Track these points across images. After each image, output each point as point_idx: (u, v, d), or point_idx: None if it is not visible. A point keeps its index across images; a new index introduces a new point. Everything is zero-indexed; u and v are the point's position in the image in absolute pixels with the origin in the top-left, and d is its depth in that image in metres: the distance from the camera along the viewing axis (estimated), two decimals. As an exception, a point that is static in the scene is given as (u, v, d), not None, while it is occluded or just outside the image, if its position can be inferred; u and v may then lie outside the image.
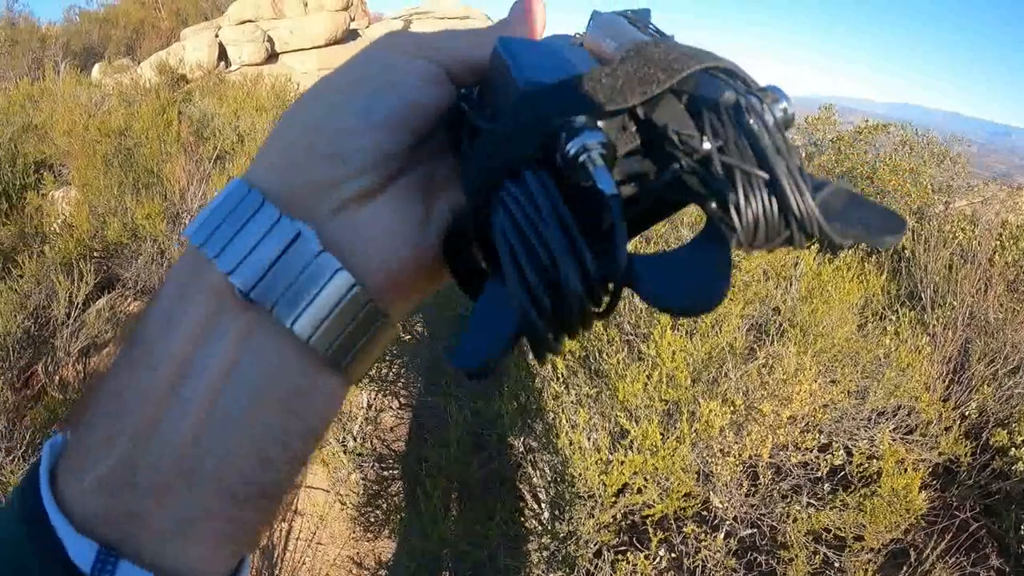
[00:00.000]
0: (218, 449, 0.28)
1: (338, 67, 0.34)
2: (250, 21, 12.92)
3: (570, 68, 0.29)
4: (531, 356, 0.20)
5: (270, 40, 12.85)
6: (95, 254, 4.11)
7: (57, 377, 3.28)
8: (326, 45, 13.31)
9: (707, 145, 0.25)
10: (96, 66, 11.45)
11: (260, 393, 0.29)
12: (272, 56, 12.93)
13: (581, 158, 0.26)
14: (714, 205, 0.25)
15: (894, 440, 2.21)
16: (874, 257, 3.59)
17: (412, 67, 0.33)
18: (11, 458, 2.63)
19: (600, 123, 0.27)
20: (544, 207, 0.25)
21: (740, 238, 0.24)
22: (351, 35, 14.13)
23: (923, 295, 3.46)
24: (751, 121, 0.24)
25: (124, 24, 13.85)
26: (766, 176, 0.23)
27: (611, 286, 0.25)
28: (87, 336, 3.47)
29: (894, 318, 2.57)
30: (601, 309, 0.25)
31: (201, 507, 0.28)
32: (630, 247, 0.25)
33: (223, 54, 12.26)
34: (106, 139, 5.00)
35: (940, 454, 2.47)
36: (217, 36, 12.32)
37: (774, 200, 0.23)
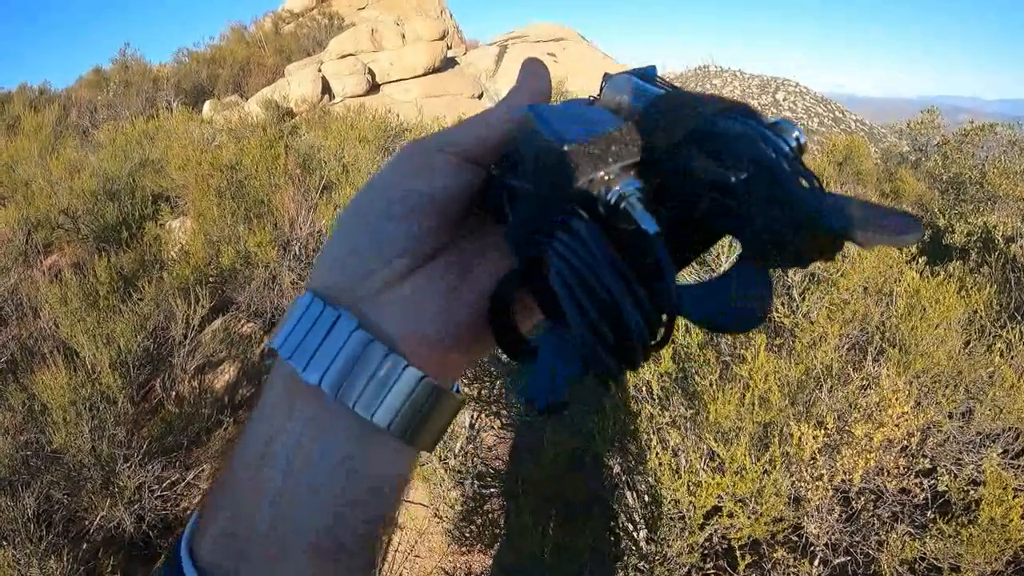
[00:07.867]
0: (298, 507, 0.36)
1: (372, 175, 0.41)
2: (350, 55, 13.74)
3: (595, 126, 0.32)
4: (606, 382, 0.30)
5: (371, 72, 13.62)
6: (210, 279, 4.58)
7: (174, 392, 3.68)
8: (425, 74, 13.97)
9: (733, 179, 0.28)
10: (207, 103, 12.40)
11: (324, 464, 0.36)
12: (374, 87, 13.68)
13: (622, 205, 0.29)
14: (748, 233, 0.28)
15: (1001, 465, 2.20)
16: (984, 269, 3.51)
17: (432, 162, 0.39)
18: (128, 464, 3.00)
19: (633, 172, 0.31)
20: (597, 251, 0.28)
21: (776, 259, 0.28)
22: (449, 63, 14.80)
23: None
24: (769, 152, 0.28)
25: (231, 63, 14.92)
26: (790, 200, 0.26)
27: (664, 318, 0.29)
28: (202, 355, 3.90)
29: (1002, 334, 2.52)
30: (657, 340, 0.29)
31: (291, 558, 0.36)
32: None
33: (326, 87, 13.06)
34: (218, 173, 5.53)
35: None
36: (320, 71, 13.13)
37: (802, 220, 0.26)
